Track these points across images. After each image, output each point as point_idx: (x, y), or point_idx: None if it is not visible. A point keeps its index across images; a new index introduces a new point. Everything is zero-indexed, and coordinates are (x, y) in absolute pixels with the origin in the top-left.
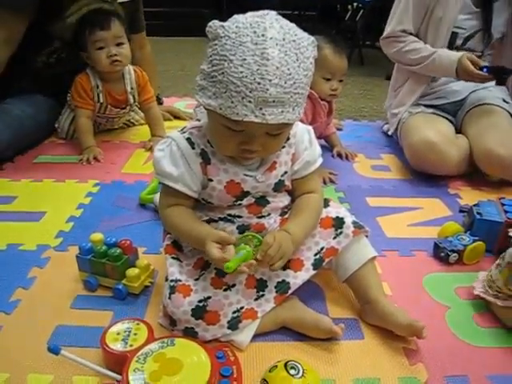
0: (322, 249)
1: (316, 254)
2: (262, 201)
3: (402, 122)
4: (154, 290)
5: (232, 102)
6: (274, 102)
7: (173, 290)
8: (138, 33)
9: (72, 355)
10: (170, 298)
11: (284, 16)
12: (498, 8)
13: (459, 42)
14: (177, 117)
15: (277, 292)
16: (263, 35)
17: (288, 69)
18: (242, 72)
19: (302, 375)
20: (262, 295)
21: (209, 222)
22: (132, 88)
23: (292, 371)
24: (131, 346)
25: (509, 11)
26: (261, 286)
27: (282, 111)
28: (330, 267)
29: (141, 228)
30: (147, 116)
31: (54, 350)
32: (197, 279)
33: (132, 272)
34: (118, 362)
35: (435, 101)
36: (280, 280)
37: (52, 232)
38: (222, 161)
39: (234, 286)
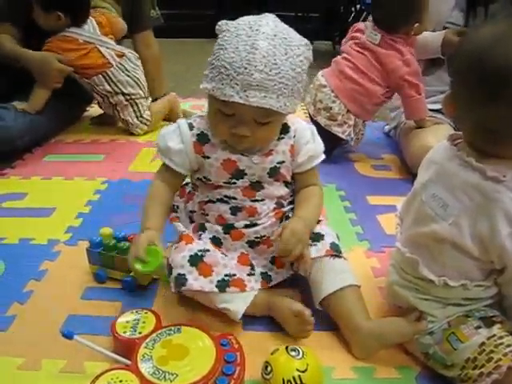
0: None
1: None
2: (256, 185)
3: (401, 124)
4: (161, 282)
5: (222, 84)
6: (257, 85)
7: (179, 239)
8: (139, 32)
9: (85, 340)
10: (176, 247)
11: (288, 18)
12: (494, 11)
13: None
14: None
15: (262, 279)
16: (257, 30)
17: (275, 59)
18: (232, 58)
19: (302, 356)
20: (253, 274)
21: (207, 202)
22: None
23: (293, 353)
24: (140, 333)
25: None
26: (252, 268)
27: (265, 96)
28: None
29: None
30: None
31: (67, 335)
32: (199, 238)
33: None
34: (127, 348)
35: (433, 105)
36: (263, 271)
37: (62, 227)
38: (221, 142)
39: (226, 256)
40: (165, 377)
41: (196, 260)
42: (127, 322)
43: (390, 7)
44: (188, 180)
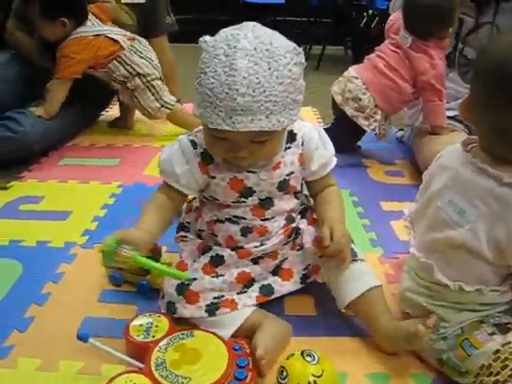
0: (308, 265)
1: (304, 269)
2: (266, 202)
3: (415, 130)
4: None
5: (207, 112)
6: (242, 110)
7: (175, 265)
8: (154, 38)
9: (99, 343)
10: None
11: (299, 23)
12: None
13: (465, 30)
14: None
15: (260, 293)
16: (235, 47)
17: (257, 78)
18: (212, 83)
19: (318, 362)
20: (245, 292)
21: (216, 221)
22: None
23: (308, 358)
24: (153, 337)
25: None
26: (248, 284)
27: (253, 119)
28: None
29: None
30: None
31: (82, 338)
32: (195, 261)
33: None
34: (140, 352)
35: (448, 112)
36: (266, 283)
37: (78, 230)
38: (225, 160)
39: (222, 275)
40: (178, 380)
41: (182, 289)
42: (140, 325)
43: (426, 18)
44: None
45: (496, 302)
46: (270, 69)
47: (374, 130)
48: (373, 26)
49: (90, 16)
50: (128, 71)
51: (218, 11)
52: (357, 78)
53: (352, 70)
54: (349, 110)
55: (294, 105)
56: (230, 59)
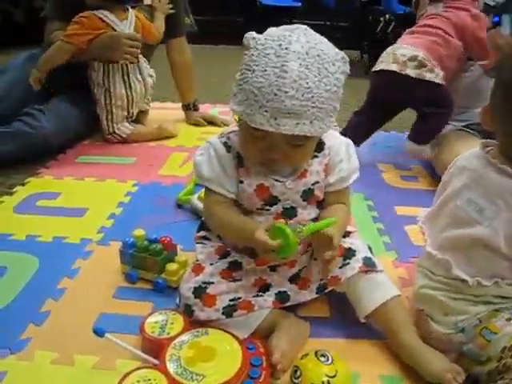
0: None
1: (321, 279)
2: (289, 212)
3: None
4: None
5: (251, 110)
6: (288, 113)
7: (191, 268)
8: (174, 38)
9: (115, 338)
10: (185, 276)
11: (315, 26)
12: None
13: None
14: (211, 122)
15: (276, 298)
16: (287, 48)
17: (307, 82)
18: (261, 82)
19: (332, 362)
20: (261, 295)
21: None
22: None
23: (322, 358)
24: (168, 333)
25: None
26: (264, 288)
27: (298, 123)
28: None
29: (178, 227)
30: None
31: (98, 332)
32: (212, 264)
33: (171, 266)
34: (155, 348)
35: (463, 122)
36: (282, 290)
37: (94, 227)
38: (254, 164)
39: (240, 280)
40: (192, 377)
41: (199, 292)
42: (156, 322)
43: None
44: None
45: (511, 295)
46: (319, 74)
47: (442, 79)
48: (389, 30)
49: (132, 22)
50: (103, 80)
51: (234, 13)
52: (401, 44)
53: (389, 49)
54: (412, 72)
55: (334, 112)
56: (281, 60)
